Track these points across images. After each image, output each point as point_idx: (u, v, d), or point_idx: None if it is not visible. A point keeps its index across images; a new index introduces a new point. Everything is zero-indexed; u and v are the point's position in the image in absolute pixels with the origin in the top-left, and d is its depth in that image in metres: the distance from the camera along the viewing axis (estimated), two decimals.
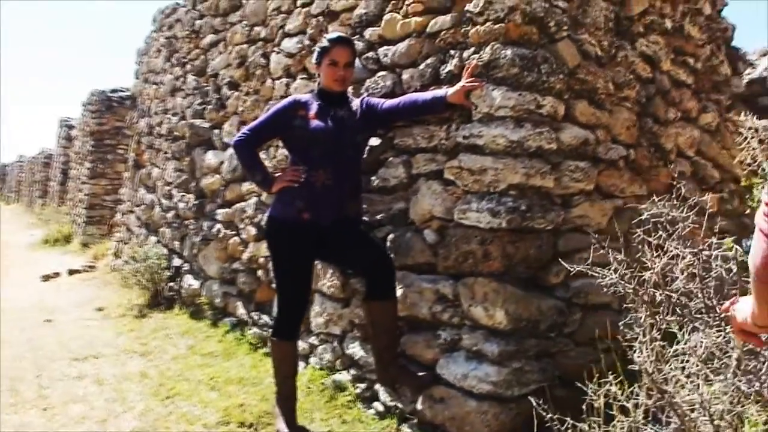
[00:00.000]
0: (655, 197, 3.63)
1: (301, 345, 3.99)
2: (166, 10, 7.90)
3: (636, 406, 2.35)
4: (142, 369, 4.33)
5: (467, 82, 2.84)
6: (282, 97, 4.57)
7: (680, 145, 3.77)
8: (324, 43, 3.24)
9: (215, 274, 5.39)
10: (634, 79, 3.37)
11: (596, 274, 3.14)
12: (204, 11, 6.31)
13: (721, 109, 4.19)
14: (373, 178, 3.46)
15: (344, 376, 3.61)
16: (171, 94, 7.15)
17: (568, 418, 2.26)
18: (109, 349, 4.92)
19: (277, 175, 3.31)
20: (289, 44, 4.51)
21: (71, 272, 8.84)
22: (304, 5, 4.43)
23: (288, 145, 3.34)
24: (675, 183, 3.74)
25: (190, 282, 5.82)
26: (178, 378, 4.11)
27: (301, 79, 4.34)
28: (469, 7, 2.99)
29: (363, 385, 3.48)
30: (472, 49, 2.95)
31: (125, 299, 6.59)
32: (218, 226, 5.33)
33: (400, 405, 3.21)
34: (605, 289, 3.19)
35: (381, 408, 3.31)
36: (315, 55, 3.29)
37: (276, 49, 4.73)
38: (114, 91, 12.69)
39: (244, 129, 3.37)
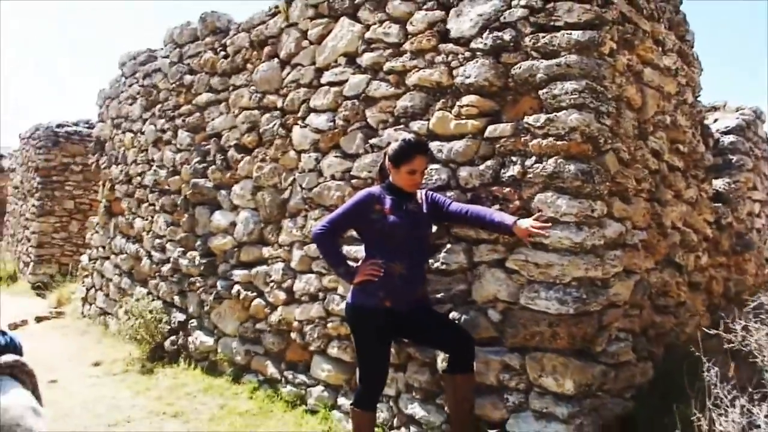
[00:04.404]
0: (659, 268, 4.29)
1: (346, 404, 4.40)
2: (139, 57, 8.02)
3: None
4: None
5: (537, 227, 3.30)
6: (311, 170, 4.96)
7: (673, 220, 4.43)
8: (405, 148, 3.58)
9: (233, 332, 5.68)
10: (648, 172, 3.99)
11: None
12: (196, 67, 6.55)
13: (698, 182, 4.89)
14: (431, 261, 3.93)
15: None
16: (155, 146, 7.32)
17: None
18: (138, 412, 5.07)
19: (357, 266, 3.73)
20: (318, 120, 4.89)
21: (38, 319, 8.77)
22: (331, 84, 4.83)
23: (364, 236, 3.75)
24: (670, 253, 4.43)
25: (201, 338, 6.06)
26: None
27: (335, 156, 4.73)
28: (528, 120, 3.52)
29: None
30: (533, 158, 3.48)
31: (120, 353, 6.71)
32: (237, 286, 5.62)
33: None
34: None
35: None
36: (393, 154, 3.62)
37: (300, 122, 5.10)
38: (60, 126, 12.54)
39: (324, 220, 3.74)
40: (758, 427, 2.89)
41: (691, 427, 3.10)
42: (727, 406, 2.89)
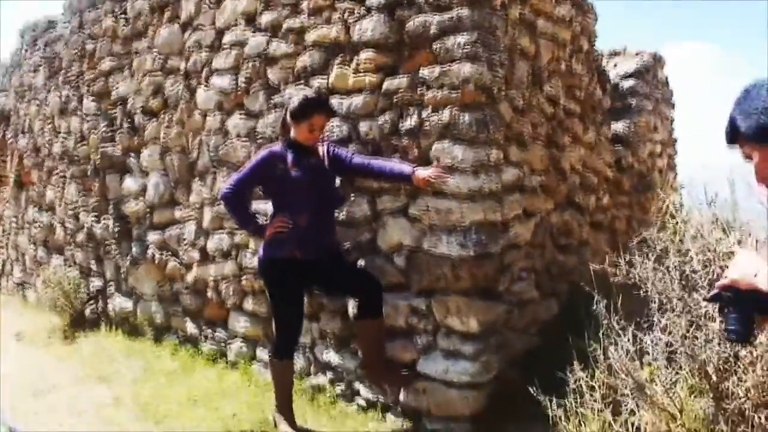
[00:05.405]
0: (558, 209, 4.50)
1: (264, 356, 4.51)
2: (38, 26, 7.79)
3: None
4: (114, 395, 4.59)
5: (434, 176, 3.41)
6: (218, 130, 4.95)
7: (572, 163, 4.64)
8: (304, 105, 3.64)
9: (151, 294, 5.69)
10: (544, 118, 4.16)
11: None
12: (97, 34, 6.39)
13: (596, 126, 5.12)
14: (338, 213, 4.02)
15: (321, 379, 4.23)
16: (61, 115, 7.11)
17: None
18: (63, 378, 5.04)
19: (265, 222, 3.82)
20: (221, 82, 4.88)
21: None
22: (233, 45, 4.82)
23: (270, 192, 3.83)
24: (570, 194, 4.65)
25: (121, 302, 6.05)
26: (155, 400, 4.43)
27: (240, 116, 4.74)
28: (424, 72, 3.61)
29: (342, 385, 4.11)
30: (430, 109, 3.59)
31: (42, 323, 6.62)
32: (152, 249, 5.61)
33: (382, 398, 3.88)
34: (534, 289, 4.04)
35: (363, 403, 3.97)
36: (293, 111, 3.67)
37: (204, 84, 5.07)
38: None
39: (230, 181, 3.81)
40: (647, 353, 3.14)
41: (588, 358, 3.34)
42: (617, 335, 3.12)
